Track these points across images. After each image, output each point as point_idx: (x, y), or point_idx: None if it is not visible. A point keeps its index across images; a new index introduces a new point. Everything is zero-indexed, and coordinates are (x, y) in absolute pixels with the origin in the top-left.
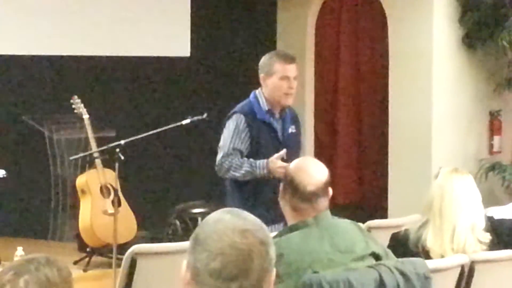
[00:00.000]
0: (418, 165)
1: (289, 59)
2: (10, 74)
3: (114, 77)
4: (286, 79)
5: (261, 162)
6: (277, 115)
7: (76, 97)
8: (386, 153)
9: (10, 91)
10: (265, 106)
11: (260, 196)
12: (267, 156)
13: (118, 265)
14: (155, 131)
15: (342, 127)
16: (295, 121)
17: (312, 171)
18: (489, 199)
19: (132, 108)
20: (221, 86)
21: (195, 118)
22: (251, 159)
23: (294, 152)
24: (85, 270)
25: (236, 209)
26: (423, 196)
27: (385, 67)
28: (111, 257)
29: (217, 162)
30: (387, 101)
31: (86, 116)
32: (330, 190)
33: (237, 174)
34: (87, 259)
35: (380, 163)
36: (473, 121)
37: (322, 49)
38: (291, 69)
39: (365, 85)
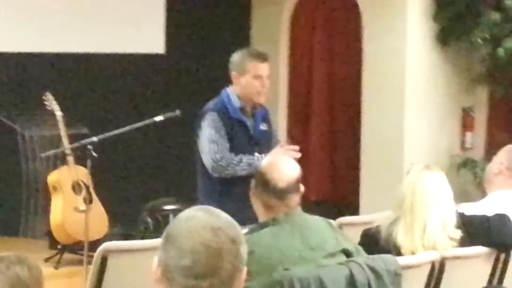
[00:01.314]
0: (390, 161)
1: (262, 58)
2: None
3: (88, 73)
4: (259, 78)
5: (259, 155)
6: (248, 112)
7: (48, 93)
8: (359, 150)
9: None
10: (237, 103)
11: (232, 193)
12: (241, 153)
13: (90, 262)
14: (127, 128)
15: (315, 125)
16: (266, 118)
17: (283, 167)
18: (461, 195)
19: (105, 105)
20: (194, 83)
21: (168, 115)
22: (247, 155)
23: (265, 149)
24: (56, 268)
25: (209, 207)
26: (395, 192)
27: (359, 64)
28: (83, 254)
29: (211, 163)
30: (361, 98)
31: (58, 113)
32: (302, 187)
33: (237, 168)
34: (58, 256)
35: (352, 159)
36: (445, 117)
37: (296, 46)
38: (264, 68)
39: (338, 82)
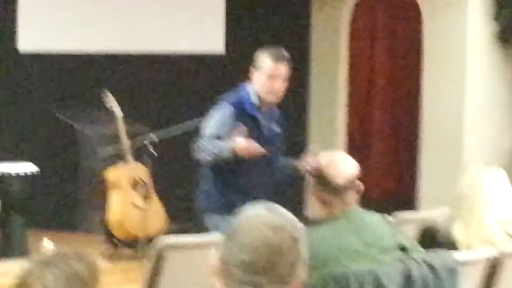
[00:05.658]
0: (449, 158)
1: (278, 58)
2: (42, 70)
3: (147, 73)
4: (272, 78)
5: (227, 146)
6: (263, 109)
7: (108, 92)
8: (418, 147)
9: (42, 86)
10: (255, 100)
11: (235, 184)
12: None
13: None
14: (184, 124)
15: (375, 124)
16: (280, 121)
17: (341, 164)
18: None
19: (163, 104)
20: None
21: None
22: (219, 142)
23: (276, 149)
24: (112, 263)
25: (272, 205)
26: (453, 189)
27: (420, 63)
28: (139, 250)
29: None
30: (421, 95)
31: (117, 111)
32: (361, 185)
33: (207, 157)
34: (114, 251)
35: (412, 156)
36: (506, 115)
37: (356, 47)
38: (279, 69)
39: (399, 81)
